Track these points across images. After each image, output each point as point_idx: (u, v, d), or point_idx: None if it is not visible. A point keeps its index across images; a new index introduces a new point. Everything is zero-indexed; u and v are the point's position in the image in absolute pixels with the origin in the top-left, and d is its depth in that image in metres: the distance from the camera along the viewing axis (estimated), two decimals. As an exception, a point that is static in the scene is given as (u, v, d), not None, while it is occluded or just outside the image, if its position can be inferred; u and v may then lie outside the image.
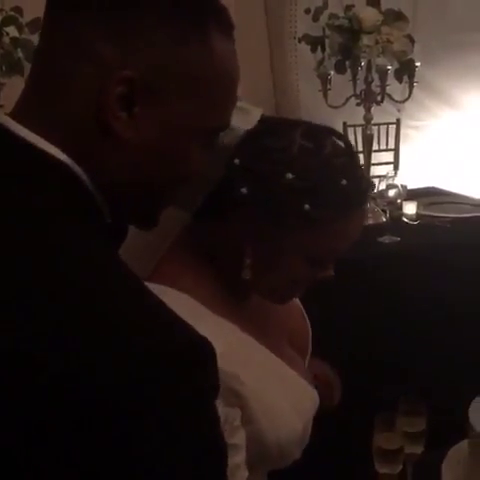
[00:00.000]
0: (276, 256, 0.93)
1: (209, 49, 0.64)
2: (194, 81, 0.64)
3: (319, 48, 2.17)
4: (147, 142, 0.63)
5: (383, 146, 3.51)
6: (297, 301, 1.16)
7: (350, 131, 3.56)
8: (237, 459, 0.89)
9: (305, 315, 1.16)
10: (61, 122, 0.62)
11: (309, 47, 2.21)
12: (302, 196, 0.88)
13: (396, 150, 3.55)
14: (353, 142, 3.56)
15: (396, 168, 3.42)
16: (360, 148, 3.48)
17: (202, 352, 0.57)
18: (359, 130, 3.49)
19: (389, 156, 3.56)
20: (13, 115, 0.64)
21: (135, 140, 0.62)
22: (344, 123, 3.54)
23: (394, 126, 3.59)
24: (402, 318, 1.92)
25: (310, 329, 1.16)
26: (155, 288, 0.87)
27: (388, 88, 2.22)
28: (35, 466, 0.51)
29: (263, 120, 0.93)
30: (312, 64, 2.27)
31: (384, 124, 3.47)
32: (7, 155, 0.62)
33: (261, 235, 0.91)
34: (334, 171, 0.90)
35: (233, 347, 0.89)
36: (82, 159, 0.62)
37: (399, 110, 3.63)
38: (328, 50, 2.16)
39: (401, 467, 1.24)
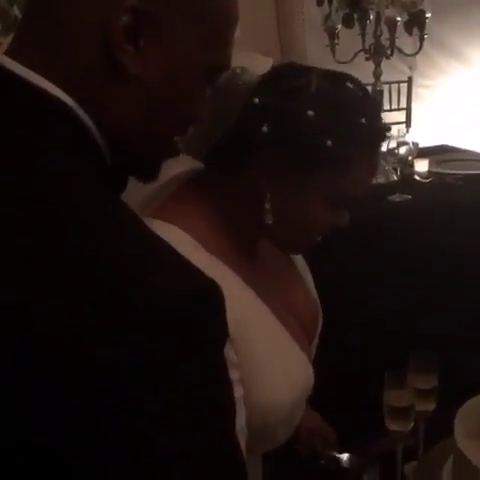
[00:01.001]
0: (297, 199, 0.92)
1: None
2: (196, 13, 0.63)
3: (326, 1, 2.09)
4: (152, 78, 0.61)
5: (394, 105, 3.42)
6: (310, 284, 1.13)
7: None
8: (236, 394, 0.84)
9: (317, 300, 1.12)
10: (62, 59, 0.59)
11: (315, 0, 2.14)
12: (324, 133, 0.87)
13: (408, 109, 3.47)
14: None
15: (408, 127, 3.34)
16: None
17: (212, 300, 0.54)
18: (369, 89, 3.42)
19: (401, 116, 3.48)
20: (9, 53, 0.60)
21: (141, 76, 0.60)
22: (354, 82, 3.46)
23: (405, 85, 3.50)
24: (414, 276, 1.88)
25: (321, 316, 1.12)
26: (152, 222, 0.86)
27: (398, 42, 2.15)
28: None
29: (276, 66, 0.93)
30: (319, 18, 2.20)
31: (395, 83, 3.38)
32: (3, 94, 0.59)
33: (282, 177, 0.90)
34: (353, 109, 0.90)
35: (230, 295, 0.85)
36: (85, 99, 0.59)
37: (411, 68, 3.55)
38: (335, 3, 2.09)
39: (413, 424, 1.22)
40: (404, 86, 3.49)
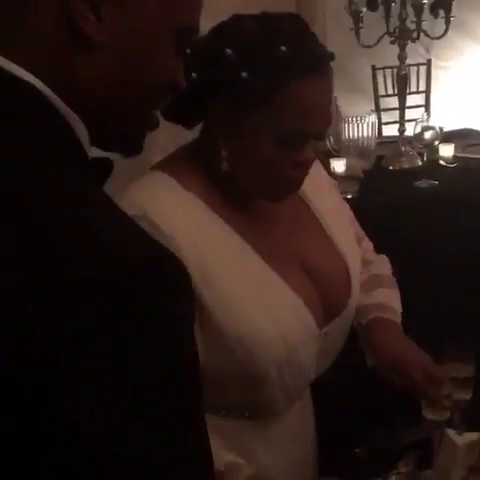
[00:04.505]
0: (244, 141, 0.94)
1: None
2: None
3: (350, -16, 2.06)
4: (118, 47, 0.60)
5: (413, 88, 3.39)
6: (341, 244, 1.11)
7: (379, 74, 3.44)
8: None
9: (348, 262, 1.10)
10: (26, 38, 0.58)
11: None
12: (239, 66, 0.89)
13: (427, 92, 3.43)
14: (383, 85, 3.45)
15: (427, 110, 3.30)
16: (390, 91, 3.40)
17: (167, 271, 0.52)
18: (388, 72, 3.39)
19: (419, 98, 3.45)
20: None
21: (106, 45, 0.59)
22: (373, 66, 3.42)
23: (423, 67, 3.45)
24: (442, 262, 1.87)
25: (350, 274, 1.10)
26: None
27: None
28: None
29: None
30: (339, 2, 2.18)
31: (415, 65, 3.34)
32: None
33: (226, 120, 0.94)
34: (271, 37, 0.90)
35: (200, 224, 0.95)
36: (53, 77, 0.58)
37: (427, 49, 3.49)
38: (360, -14, 2.06)
39: (449, 414, 1.22)
40: (422, 68, 3.45)
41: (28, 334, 0.48)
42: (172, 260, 0.53)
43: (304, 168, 0.98)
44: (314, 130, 0.94)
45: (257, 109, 0.91)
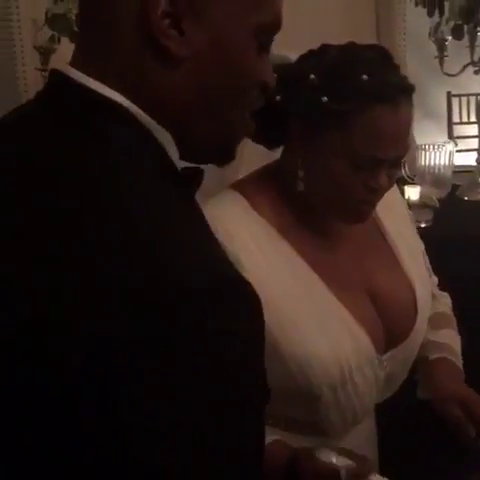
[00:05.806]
0: (322, 162, 0.97)
1: None
2: None
3: (437, 11, 2.04)
4: (201, 58, 0.61)
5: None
6: (410, 269, 1.11)
7: (455, 101, 3.40)
8: None
9: (416, 289, 1.10)
10: (110, 57, 0.61)
11: (415, 8, 2.10)
12: (321, 91, 0.94)
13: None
14: (458, 113, 3.41)
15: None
16: (465, 118, 3.36)
17: (232, 292, 0.54)
18: (464, 100, 3.34)
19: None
20: (71, 62, 0.63)
21: (190, 58, 0.61)
22: (448, 92, 3.38)
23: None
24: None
25: (420, 311, 1.10)
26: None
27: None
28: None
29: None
30: (420, 28, 2.16)
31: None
32: (62, 100, 0.61)
33: (304, 142, 0.98)
34: (353, 65, 0.95)
35: (264, 247, 0.99)
36: (138, 94, 0.60)
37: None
38: (447, 14, 2.03)
39: None
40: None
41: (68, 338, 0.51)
42: (231, 289, 0.54)
43: (376, 193, 0.99)
44: (384, 157, 0.96)
45: (332, 132, 0.95)
